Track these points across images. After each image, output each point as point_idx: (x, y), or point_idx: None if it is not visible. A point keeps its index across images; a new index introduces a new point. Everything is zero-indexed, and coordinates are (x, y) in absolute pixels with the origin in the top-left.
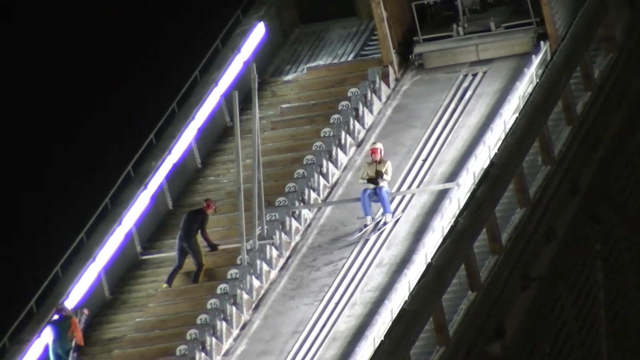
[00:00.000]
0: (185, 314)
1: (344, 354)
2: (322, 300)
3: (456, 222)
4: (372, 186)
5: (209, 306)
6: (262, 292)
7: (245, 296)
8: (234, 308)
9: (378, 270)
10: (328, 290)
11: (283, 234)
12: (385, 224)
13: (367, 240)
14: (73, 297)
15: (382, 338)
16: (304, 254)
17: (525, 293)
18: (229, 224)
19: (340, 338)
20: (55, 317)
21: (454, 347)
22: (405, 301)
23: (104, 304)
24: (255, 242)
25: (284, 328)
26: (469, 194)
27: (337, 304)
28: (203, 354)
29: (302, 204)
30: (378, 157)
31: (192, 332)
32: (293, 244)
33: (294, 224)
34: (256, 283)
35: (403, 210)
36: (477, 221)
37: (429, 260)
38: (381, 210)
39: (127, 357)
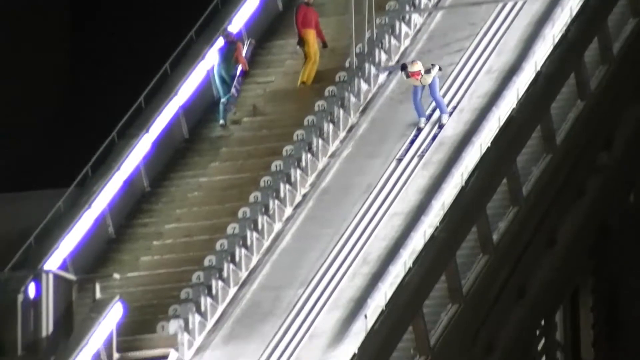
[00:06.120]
0: (294, 113)
1: (450, 159)
2: (430, 105)
3: (567, 30)
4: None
5: (316, 108)
6: (370, 95)
7: (352, 99)
8: (341, 110)
9: (487, 77)
10: None
11: (392, 39)
12: (441, 127)
13: (476, 47)
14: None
15: (489, 145)
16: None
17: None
18: (338, 27)
19: (447, 143)
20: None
21: (561, 155)
22: (514, 109)
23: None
24: (364, 45)
25: (392, 131)
26: (581, 2)
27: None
28: (309, 155)
29: (412, 8)
30: (419, 78)
31: (299, 133)
32: (402, 48)
33: (404, 28)
34: (364, 86)
35: (513, 20)
36: (589, 31)
37: (538, 68)
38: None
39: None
